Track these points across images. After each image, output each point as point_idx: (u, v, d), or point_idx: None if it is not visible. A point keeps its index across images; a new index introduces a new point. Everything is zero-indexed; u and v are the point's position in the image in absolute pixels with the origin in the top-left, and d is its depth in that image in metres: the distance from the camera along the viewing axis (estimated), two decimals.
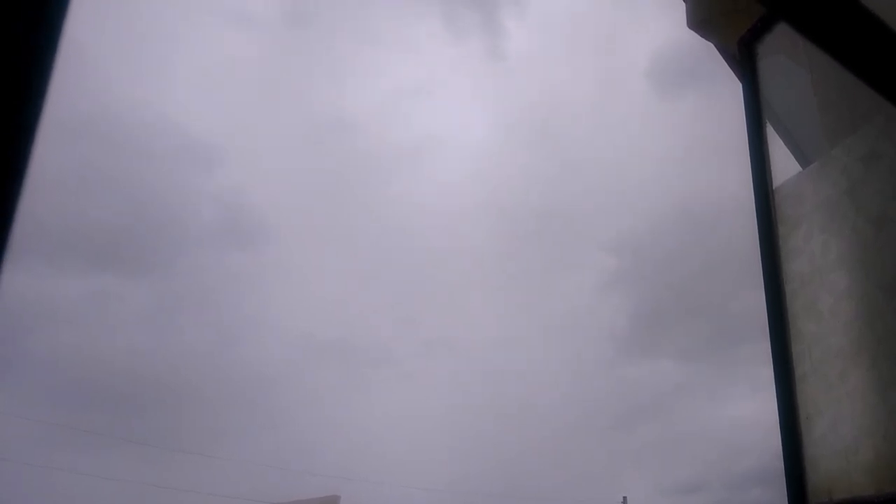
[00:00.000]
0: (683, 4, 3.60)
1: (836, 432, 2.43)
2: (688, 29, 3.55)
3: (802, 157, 3.22)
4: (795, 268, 2.75)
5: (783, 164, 3.04)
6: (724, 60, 3.62)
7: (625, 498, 27.55)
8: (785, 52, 3.22)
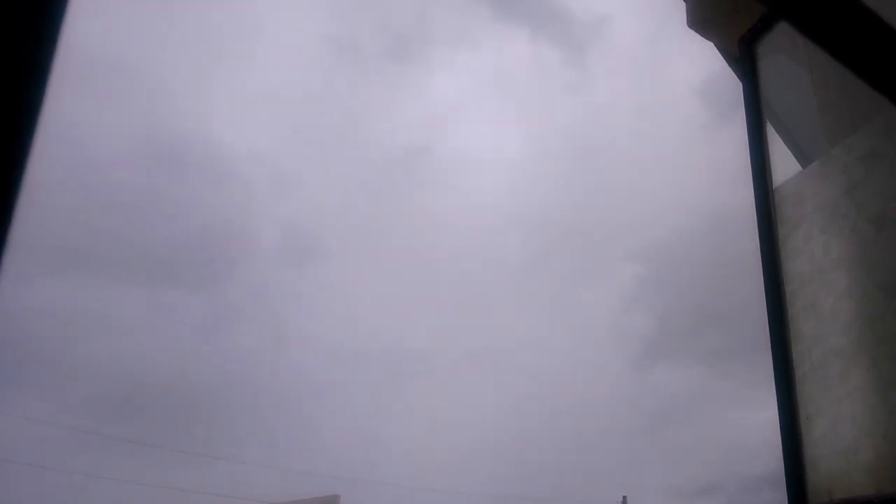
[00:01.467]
0: (684, 4, 3.60)
1: (836, 432, 2.43)
2: (688, 28, 3.55)
3: (803, 157, 3.22)
4: (796, 268, 2.75)
5: (783, 164, 3.04)
6: (724, 60, 3.62)
7: (624, 498, 27.52)
8: (785, 52, 3.22)
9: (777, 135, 3.19)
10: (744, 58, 3.23)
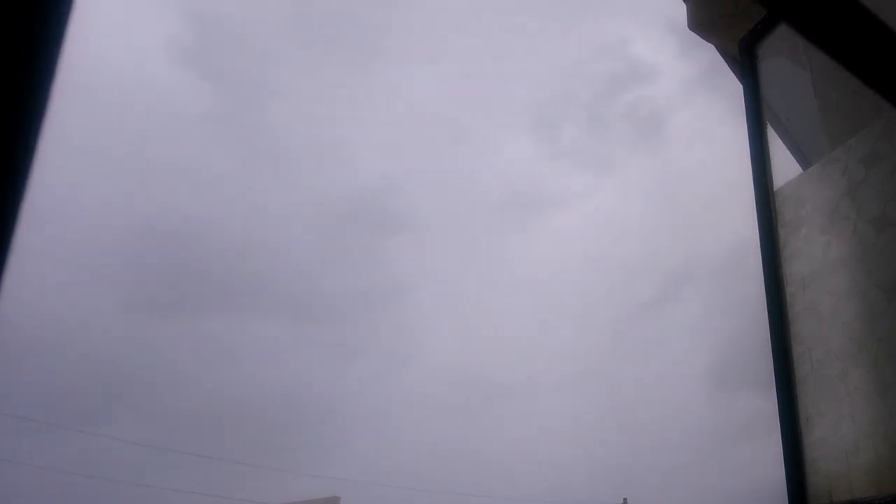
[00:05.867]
0: (685, 6, 3.61)
1: (837, 433, 2.43)
2: (689, 30, 3.56)
3: (803, 159, 3.22)
4: (796, 270, 2.76)
5: (784, 166, 3.04)
6: (724, 62, 3.62)
7: (625, 500, 27.51)
8: (785, 54, 3.23)
9: (777, 137, 3.20)
10: (744, 60, 3.23)
